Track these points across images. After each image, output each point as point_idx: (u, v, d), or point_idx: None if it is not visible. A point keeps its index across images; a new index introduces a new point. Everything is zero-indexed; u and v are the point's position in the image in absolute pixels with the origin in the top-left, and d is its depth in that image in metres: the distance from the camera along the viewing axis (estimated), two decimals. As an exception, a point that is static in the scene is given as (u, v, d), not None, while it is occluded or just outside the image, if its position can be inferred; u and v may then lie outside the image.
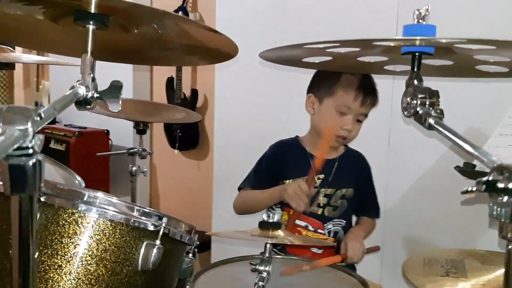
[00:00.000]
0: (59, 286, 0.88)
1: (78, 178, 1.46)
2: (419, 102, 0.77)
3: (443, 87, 0.91)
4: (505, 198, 0.54)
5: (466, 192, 0.57)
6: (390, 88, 1.96)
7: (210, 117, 3.20)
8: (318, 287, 1.34)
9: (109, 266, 0.88)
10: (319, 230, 1.70)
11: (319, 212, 1.71)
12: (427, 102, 0.77)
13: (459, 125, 0.82)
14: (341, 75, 1.66)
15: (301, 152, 1.76)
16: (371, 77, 1.71)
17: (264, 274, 0.95)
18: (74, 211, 0.89)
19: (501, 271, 1.05)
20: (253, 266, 0.97)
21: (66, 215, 0.89)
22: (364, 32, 2.06)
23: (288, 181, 1.71)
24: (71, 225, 0.88)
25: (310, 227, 1.72)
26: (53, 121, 4.67)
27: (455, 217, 2.07)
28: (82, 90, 0.72)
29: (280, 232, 1.03)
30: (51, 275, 0.87)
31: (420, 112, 0.76)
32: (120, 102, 0.76)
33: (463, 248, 1.32)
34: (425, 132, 2.03)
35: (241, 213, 1.80)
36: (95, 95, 0.75)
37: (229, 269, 1.43)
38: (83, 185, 1.40)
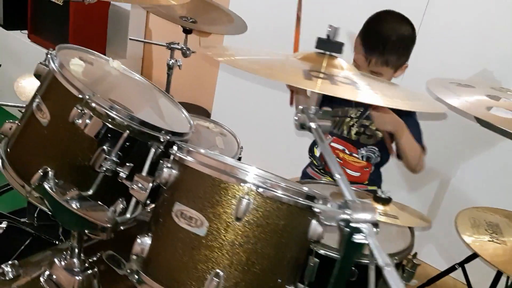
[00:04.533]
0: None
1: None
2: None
3: None
4: None
5: None
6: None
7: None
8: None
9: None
10: (354, 154, 2.00)
11: (355, 138, 1.98)
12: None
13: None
14: (359, 35, 1.79)
15: None
16: (388, 38, 1.73)
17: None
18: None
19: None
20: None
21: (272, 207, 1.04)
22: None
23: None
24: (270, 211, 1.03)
25: (347, 151, 2.02)
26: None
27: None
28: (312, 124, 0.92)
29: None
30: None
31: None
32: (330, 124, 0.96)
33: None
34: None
35: None
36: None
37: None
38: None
